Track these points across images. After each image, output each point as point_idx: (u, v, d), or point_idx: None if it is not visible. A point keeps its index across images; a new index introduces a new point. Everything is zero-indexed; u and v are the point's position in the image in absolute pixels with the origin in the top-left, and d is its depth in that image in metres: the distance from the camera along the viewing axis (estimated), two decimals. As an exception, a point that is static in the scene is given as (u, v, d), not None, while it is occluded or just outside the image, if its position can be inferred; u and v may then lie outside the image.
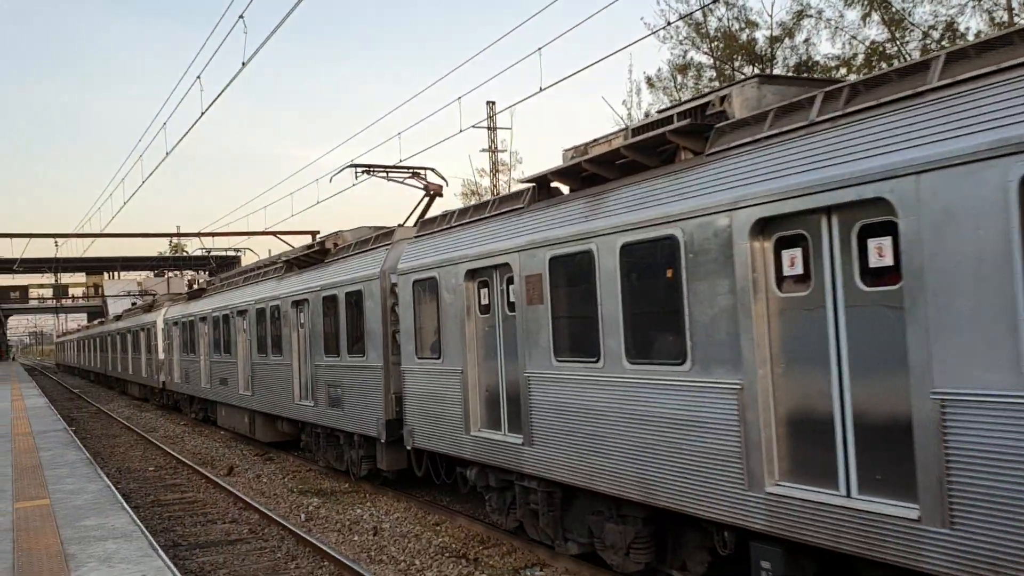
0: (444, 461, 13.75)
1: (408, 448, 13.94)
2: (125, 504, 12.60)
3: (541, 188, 11.12)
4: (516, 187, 16.53)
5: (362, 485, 16.59)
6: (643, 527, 9.32)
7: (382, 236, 15.55)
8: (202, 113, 19.66)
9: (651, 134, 8.78)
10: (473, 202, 16.74)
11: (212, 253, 36.48)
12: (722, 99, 8.58)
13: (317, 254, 17.94)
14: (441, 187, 16.52)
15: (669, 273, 8.33)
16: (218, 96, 19.35)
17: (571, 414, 9.83)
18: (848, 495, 6.78)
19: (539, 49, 17.27)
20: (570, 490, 10.38)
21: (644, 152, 9.08)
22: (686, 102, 9.31)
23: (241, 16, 15.48)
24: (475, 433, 12.00)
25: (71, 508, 12.08)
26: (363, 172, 17.45)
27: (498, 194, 16.55)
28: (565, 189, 10.93)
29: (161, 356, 32.74)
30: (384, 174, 17.42)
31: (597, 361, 9.38)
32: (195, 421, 29.92)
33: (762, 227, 7.37)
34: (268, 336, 20.15)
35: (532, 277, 10.52)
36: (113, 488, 13.99)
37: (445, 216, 13.38)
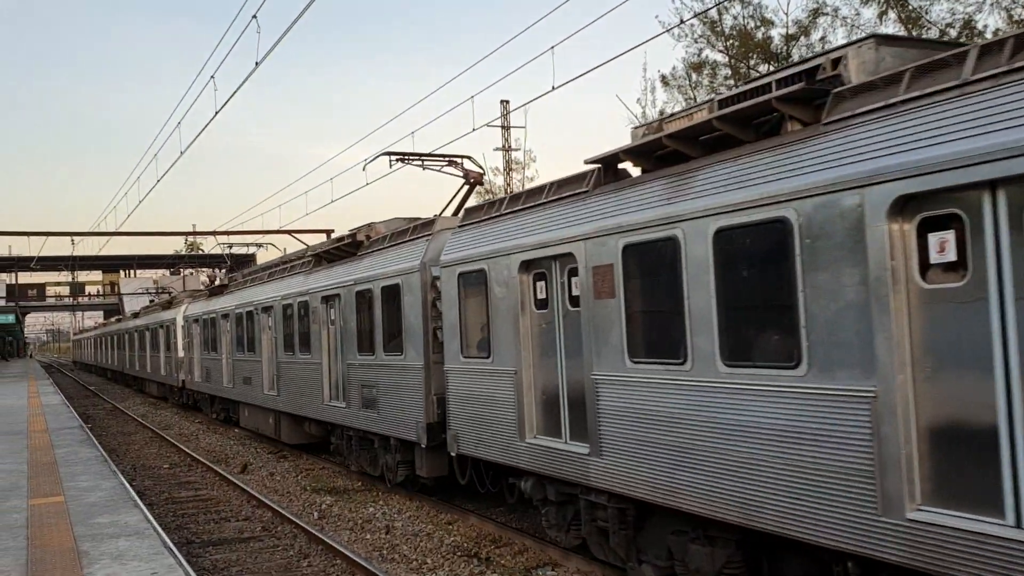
0: (492, 469, 12.64)
1: (452, 455, 12.83)
2: (138, 501, 12.50)
3: (607, 170, 9.98)
4: (531, 185, 15.56)
5: (375, 484, 16.22)
6: (736, 550, 8.18)
7: (421, 226, 14.45)
8: (216, 112, 19.44)
9: (751, 103, 7.63)
10: (487, 200, 15.90)
11: (232, 250, 35.85)
12: (835, 62, 7.42)
13: (349, 247, 16.84)
14: (481, 175, 15.41)
15: (777, 261, 7.18)
16: (232, 95, 19.32)
17: (649, 422, 8.69)
18: (1019, 526, 5.63)
19: (552, 48, 17.27)
20: (646, 507, 9.24)
21: (739, 124, 7.94)
22: (785, 67, 8.15)
23: (254, 16, 15.33)
24: (531, 440, 10.87)
25: (85, 505, 11.90)
26: (398, 160, 16.35)
27: (512, 192, 15.64)
28: (635, 172, 9.80)
29: (181, 354, 31.66)
30: (419, 162, 16.30)
31: (683, 363, 8.24)
32: (211, 420, 28.94)
33: (902, 206, 6.22)
34: (295, 333, 19.08)
35: (601, 268, 9.39)
36: (127, 485, 13.89)
37: (494, 203, 12.26)
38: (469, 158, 16.32)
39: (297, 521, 13.21)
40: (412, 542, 12.19)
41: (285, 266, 21.08)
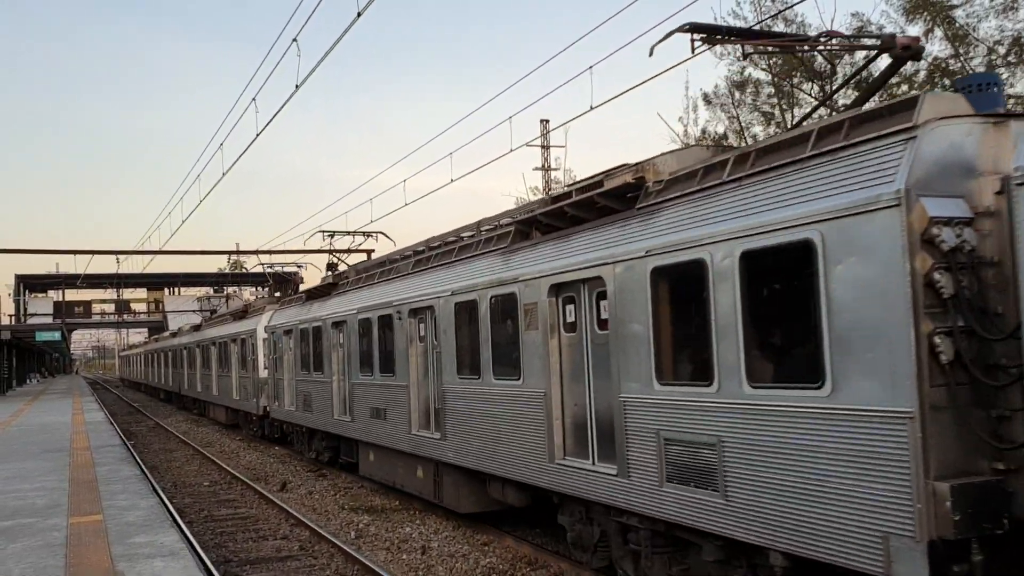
0: None
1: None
2: (177, 519, 12.60)
3: None
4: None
5: (412, 503, 14.63)
6: None
7: (875, 116, 6.43)
8: (257, 134, 17.77)
9: None
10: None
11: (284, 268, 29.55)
12: None
13: (610, 198, 8.93)
14: (919, 40, 7.50)
15: None
16: (272, 118, 17.48)
17: None
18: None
19: (590, 67, 15.33)
20: None
21: None
22: None
23: (295, 39, 14.29)
24: None
25: (123, 524, 11.10)
26: (702, 42, 8.46)
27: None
28: None
29: (262, 374, 23.50)
30: (738, 42, 8.44)
31: None
32: (305, 459, 20.95)
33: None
34: (483, 345, 11.03)
35: None
36: (168, 503, 14.11)
37: None
38: (813, 39, 8.42)
39: (334, 540, 12.18)
40: (448, 563, 11.06)
41: (449, 247, 13.06)
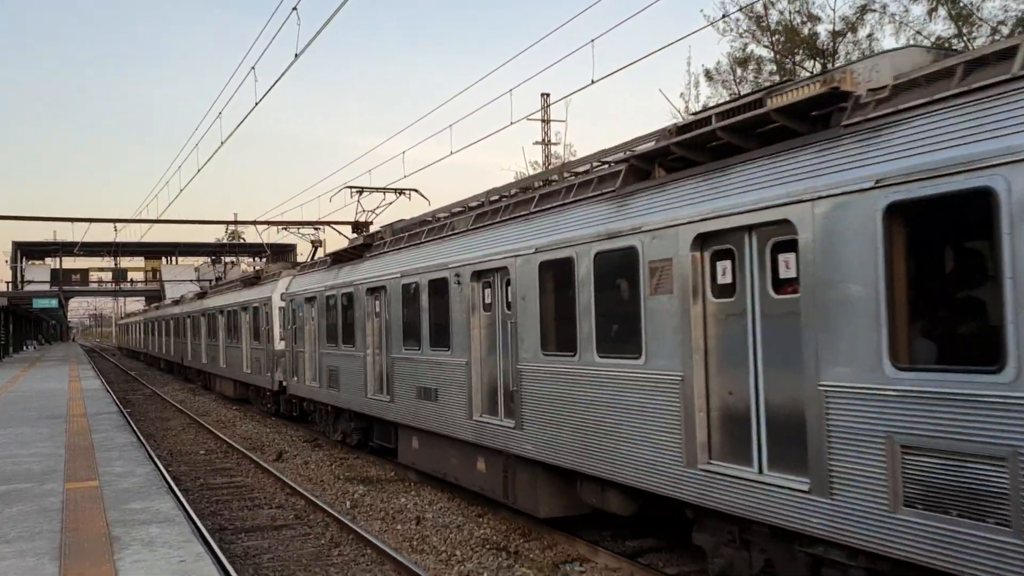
0: None
1: None
2: (171, 487, 12.45)
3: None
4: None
5: (407, 474, 14.23)
6: None
7: None
8: (256, 103, 17.35)
9: None
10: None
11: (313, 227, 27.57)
12: None
13: (785, 116, 6.53)
14: None
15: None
16: (271, 87, 17.32)
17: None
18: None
19: (592, 41, 14.71)
20: None
21: None
22: None
23: (295, 8, 13.44)
24: None
25: (118, 491, 10.85)
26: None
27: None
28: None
29: (278, 346, 21.02)
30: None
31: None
32: (320, 436, 18.58)
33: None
34: (583, 314, 8.60)
35: None
36: (163, 470, 13.87)
37: None
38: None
39: (329, 510, 11.86)
40: (442, 533, 10.81)
41: (523, 196, 10.51)
